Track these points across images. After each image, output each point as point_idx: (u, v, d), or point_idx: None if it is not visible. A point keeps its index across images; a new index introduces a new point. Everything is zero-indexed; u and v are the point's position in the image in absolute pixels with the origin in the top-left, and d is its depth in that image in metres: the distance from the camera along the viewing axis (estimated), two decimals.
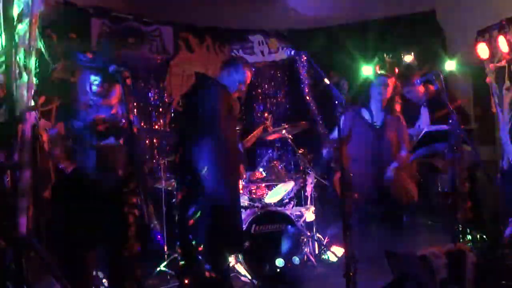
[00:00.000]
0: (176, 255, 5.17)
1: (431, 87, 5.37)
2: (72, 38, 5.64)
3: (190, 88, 4.47)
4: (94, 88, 3.70)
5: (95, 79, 3.70)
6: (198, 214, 4.08)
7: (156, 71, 6.70)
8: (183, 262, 4.23)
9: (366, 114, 4.84)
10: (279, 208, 5.52)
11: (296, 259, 5.11)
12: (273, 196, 5.69)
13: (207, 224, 4.06)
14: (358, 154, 4.68)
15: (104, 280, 4.08)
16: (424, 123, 5.50)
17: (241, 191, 5.24)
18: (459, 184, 4.43)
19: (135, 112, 6.14)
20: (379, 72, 5.15)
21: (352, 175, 3.74)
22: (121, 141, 3.74)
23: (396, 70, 5.76)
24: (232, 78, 4.34)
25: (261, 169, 5.83)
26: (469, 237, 4.63)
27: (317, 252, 5.65)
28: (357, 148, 4.73)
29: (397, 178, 4.71)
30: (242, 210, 5.16)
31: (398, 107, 4.95)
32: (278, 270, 4.99)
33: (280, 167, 5.79)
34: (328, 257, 5.54)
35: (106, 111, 3.76)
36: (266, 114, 5.30)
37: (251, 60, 7.17)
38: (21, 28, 2.96)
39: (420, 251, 3.62)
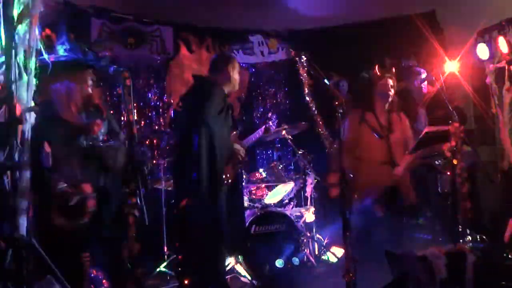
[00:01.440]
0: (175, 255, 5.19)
1: (431, 88, 5.37)
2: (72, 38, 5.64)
3: (188, 90, 4.49)
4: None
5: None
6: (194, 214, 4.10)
7: (156, 71, 6.70)
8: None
9: (370, 116, 4.82)
10: (279, 209, 5.53)
11: (296, 260, 5.11)
12: (273, 197, 5.70)
13: (201, 225, 4.07)
14: (366, 155, 4.67)
15: (104, 281, 4.07)
16: (422, 124, 5.50)
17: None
18: (459, 185, 4.43)
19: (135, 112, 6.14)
20: (380, 73, 5.14)
21: (355, 175, 3.74)
22: (121, 142, 3.74)
23: (396, 71, 5.76)
24: (229, 77, 4.34)
25: (261, 170, 5.84)
26: (469, 237, 4.62)
27: (317, 252, 5.65)
28: (364, 150, 4.71)
29: (404, 179, 4.71)
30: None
31: (399, 107, 4.96)
32: (278, 270, 4.99)
33: (280, 167, 5.80)
34: (328, 257, 5.54)
35: None
36: (270, 114, 5.27)
37: (251, 60, 7.17)
38: (21, 28, 2.96)
39: (420, 251, 3.62)
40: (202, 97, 4.13)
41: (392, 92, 4.80)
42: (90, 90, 3.84)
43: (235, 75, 4.40)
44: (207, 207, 4.07)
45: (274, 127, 5.22)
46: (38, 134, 3.19)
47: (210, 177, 4.06)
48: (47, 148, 3.39)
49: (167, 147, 6.26)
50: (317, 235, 5.70)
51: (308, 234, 5.54)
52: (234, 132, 4.54)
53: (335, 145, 4.61)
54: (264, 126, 5.31)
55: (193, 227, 4.16)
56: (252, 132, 5.45)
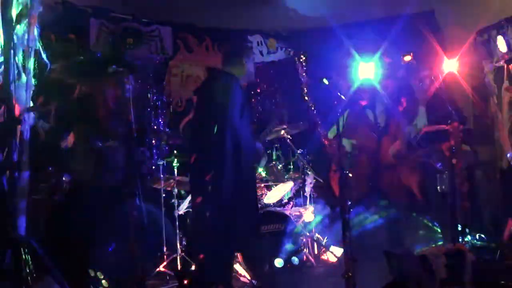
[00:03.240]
0: (175, 255, 5.19)
1: (430, 87, 5.37)
2: (71, 39, 5.64)
3: (204, 84, 4.33)
4: None
5: None
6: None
7: (155, 71, 6.69)
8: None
9: (370, 115, 4.82)
10: (278, 208, 5.52)
11: (295, 260, 5.11)
12: (272, 197, 5.69)
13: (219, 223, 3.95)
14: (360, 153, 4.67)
15: (103, 281, 4.08)
16: (422, 123, 5.50)
17: None
18: (458, 184, 4.43)
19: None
20: (380, 74, 5.15)
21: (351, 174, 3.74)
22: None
23: (396, 70, 5.76)
24: (246, 68, 4.23)
25: (260, 169, 5.83)
26: (468, 237, 4.63)
27: (316, 252, 5.65)
28: (359, 147, 4.71)
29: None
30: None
31: (399, 108, 4.98)
32: (278, 270, 4.99)
33: (279, 167, 5.79)
34: (327, 257, 5.54)
35: None
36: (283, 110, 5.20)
37: None
38: (20, 28, 2.96)
39: (420, 251, 3.62)
40: (223, 94, 3.97)
41: (391, 93, 4.81)
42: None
43: (250, 66, 4.27)
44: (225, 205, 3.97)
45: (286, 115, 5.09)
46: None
47: (237, 178, 3.93)
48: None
49: (166, 147, 6.27)
50: (317, 235, 5.70)
51: (308, 234, 5.53)
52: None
53: (334, 145, 4.58)
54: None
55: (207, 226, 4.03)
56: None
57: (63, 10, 5.47)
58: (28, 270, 2.81)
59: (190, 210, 5.24)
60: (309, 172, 5.73)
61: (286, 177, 5.80)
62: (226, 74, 4.17)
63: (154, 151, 6.33)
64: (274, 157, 5.97)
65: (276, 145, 6.09)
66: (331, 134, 5.89)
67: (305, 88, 6.75)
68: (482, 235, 4.94)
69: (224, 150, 3.87)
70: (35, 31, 3.03)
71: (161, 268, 5.15)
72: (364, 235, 4.52)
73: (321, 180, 5.86)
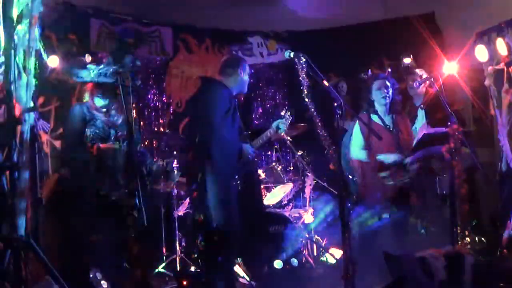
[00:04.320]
0: (174, 256, 5.19)
1: (430, 90, 5.37)
2: (72, 39, 5.65)
3: (196, 91, 4.48)
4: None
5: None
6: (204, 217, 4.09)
7: (155, 72, 6.69)
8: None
9: (376, 119, 4.80)
10: (277, 210, 5.52)
11: (294, 261, 5.11)
12: (271, 198, 5.69)
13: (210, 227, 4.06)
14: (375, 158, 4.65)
15: (102, 282, 4.07)
16: (421, 125, 5.50)
17: None
18: (457, 187, 4.43)
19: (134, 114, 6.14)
20: (377, 74, 5.14)
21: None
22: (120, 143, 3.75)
23: (395, 72, 5.76)
24: (240, 79, 4.36)
25: (260, 171, 5.83)
26: (467, 239, 4.63)
27: (315, 253, 5.65)
28: (380, 152, 4.68)
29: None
30: None
31: (401, 107, 4.98)
32: (277, 271, 4.99)
33: (279, 169, 5.79)
34: (326, 259, 5.54)
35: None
36: (283, 112, 5.23)
37: (250, 61, 7.17)
38: (21, 29, 2.96)
39: (419, 253, 3.62)
40: (209, 99, 4.17)
41: (389, 93, 4.80)
42: None
43: (245, 77, 4.45)
44: (220, 208, 4.07)
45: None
46: None
47: (219, 180, 4.05)
48: None
49: (166, 148, 6.26)
50: (316, 236, 5.69)
51: (307, 235, 5.53)
52: (244, 133, 4.53)
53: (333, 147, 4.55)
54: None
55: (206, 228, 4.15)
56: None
57: (64, 10, 5.48)
58: (27, 271, 2.81)
59: (190, 211, 5.28)
60: (309, 174, 5.73)
61: (285, 178, 5.80)
62: (216, 83, 4.35)
63: (154, 152, 6.33)
64: (274, 159, 5.97)
65: (276, 147, 6.09)
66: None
67: (305, 90, 6.73)
68: (482, 237, 4.94)
69: (208, 156, 4.05)
70: (36, 31, 3.03)
71: (159, 269, 5.15)
72: (363, 237, 4.50)
73: (321, 182, 5.85)
